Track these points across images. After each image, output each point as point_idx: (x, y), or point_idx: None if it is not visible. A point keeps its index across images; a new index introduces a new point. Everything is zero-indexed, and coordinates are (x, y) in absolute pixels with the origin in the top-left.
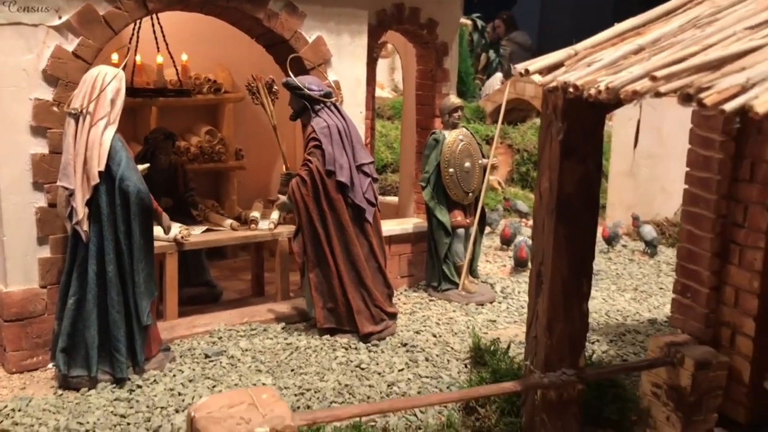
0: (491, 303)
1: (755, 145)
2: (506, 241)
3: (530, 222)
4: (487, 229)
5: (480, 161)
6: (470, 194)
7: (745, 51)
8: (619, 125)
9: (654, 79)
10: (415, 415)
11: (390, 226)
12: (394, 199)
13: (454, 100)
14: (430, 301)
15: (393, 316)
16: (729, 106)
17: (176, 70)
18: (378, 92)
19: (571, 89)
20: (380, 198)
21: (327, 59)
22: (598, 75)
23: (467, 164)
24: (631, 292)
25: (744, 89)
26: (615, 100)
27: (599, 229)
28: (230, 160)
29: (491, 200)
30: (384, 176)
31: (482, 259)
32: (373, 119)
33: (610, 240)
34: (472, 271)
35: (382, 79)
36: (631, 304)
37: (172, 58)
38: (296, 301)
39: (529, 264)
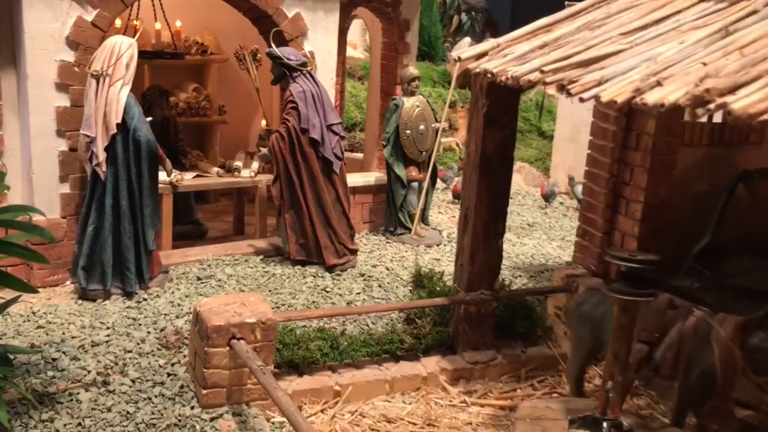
0: (438, 245)
1: (641, 121)
2: (458, 195)
3: None
4: (443, 185)
5: (433, 125)
6: (424, 153)
7: (610, 53)
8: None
9: (542, 72)
10: (367, 324)
11: (355, 179)
12: (359, 155)
13: (412, 71)
14: (387, 243)
15: (354, 252)
16: (586, 95)
17: (171, 34)
18: (351, 52)
19: (489, 75)
20: (348, 154)
21: (304, 32)
22: (508, 65)
23: (422, 127)
24: (559, 241)
25: (599, 83)
26: (518, 85)
27: (539, 189)
28: (214, 115)
29: (449, 159)
30: (353, 134)
31: (435, 209)
32: (342, 83)
33: (548, 197)
34: (424, 219)
35: (355, 38)
36: (556, 250)
37: (168, 24)
38: (272, 239)
39: None
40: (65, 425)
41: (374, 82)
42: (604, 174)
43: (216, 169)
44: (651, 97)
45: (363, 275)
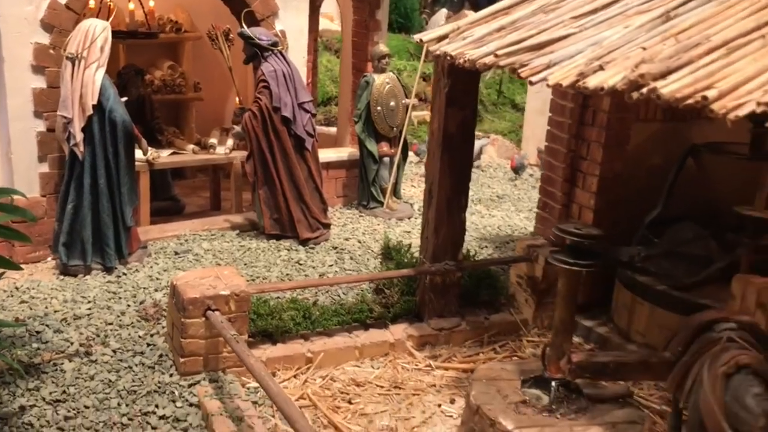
0: (409, 218)
1: (596, 98)
2: None
3: None
4: (416, 159)
5: (403, 101)
6: (395, 128)
7: (560, 37)
8: None
9: (496, 56)
10: (339, 295)
11: (329, 154)
12: (334, 129)
13: (382, 48)
14: (360, 216)
15: (327, 226)
16: (535, 79)
17: (144, 13)
18: (327, 24)
19: (448, 57)
20: (324, 129)
21: (275, 12)
22: (466, 48)
23: (392, 103)
24: (526, 212)
25: (548, 67)
26: (475, 68)
27: (508, 161)
28: (189, 92)
29: (423, 133)
30: (328, 108)
31: (407, 183)
32: (315, 59)
33: (517, 170)
34: (396, 193)
35: (331, 11)
36: (523, 221)
37: (141, 3)
38: (248, 214)
39: None
40: (50, 393)
41: (346, 58)
42: (562, 149)
43: (191, 146)
44: (592, 81)
45: (336, 248)
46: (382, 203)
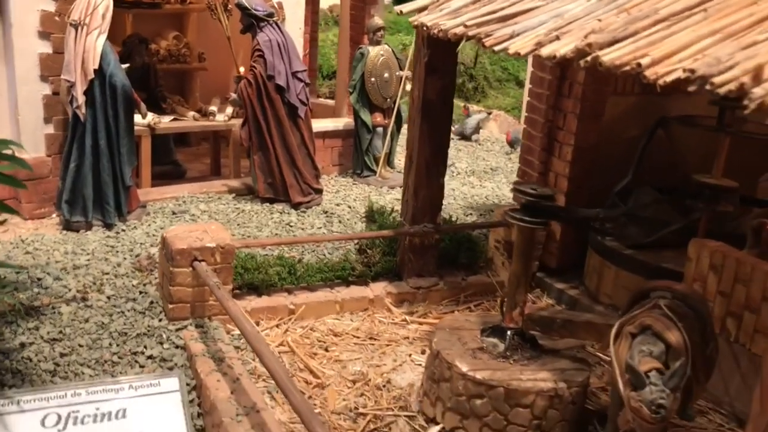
0: (401, 187)
1: (573, 70)
2: None
3: None
4: None
5: (397, 73)
6: (388, 100)
7: (527, 9)
8: None
9: (466, 26)
10: (324, 255)
11: (325, 124)
12: (332, 101)
13: (378, 21)
14: (354, 184)
15: (319, 191)
16: (497, 48)
17: None
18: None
19: (424, 28)
20: (324, 101)
21: None
22: (441, 19)
23: (386, 75)
24: None
25: (511, 37)
26: (448, 38)
27: (504, 135)
28: (194, 62)
29: None
30: (334, 81)
31: (401, 153)
32: (315, 32)
33: (513, 143)
34: (389, 162)
35: None
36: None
37: None
38: (245, 179)
39: None
40: (48, 333)
41: (344, 31)
42: (540, 119)
43: (192, 113)
44: (545, 50)
45: (326, 212)
46: (375, 172)
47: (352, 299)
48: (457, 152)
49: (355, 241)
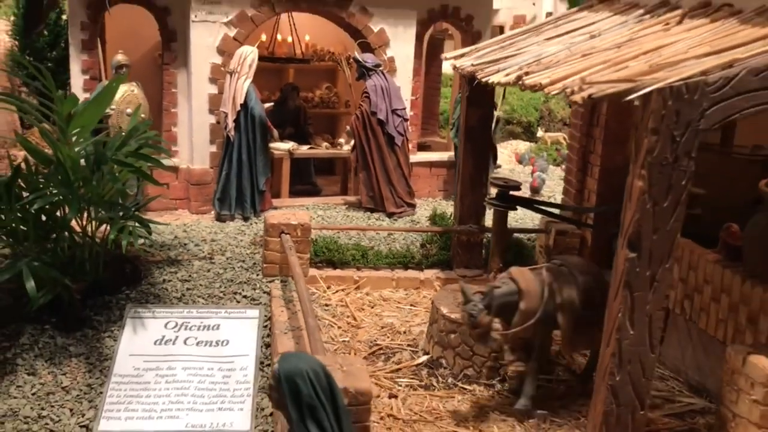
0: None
1: (600, 104)
2: (535, 189)
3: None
4: (520, 166)
5: None
6: None
7: (516, 52)
8: None
9: (473, 66)
10: (394, 247)
11: (433, 155)
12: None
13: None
14: (450, 205)
15: (411, 205)
16: (484, 80)
17: (300, 46)
18: None
19: (459, 69)
20: (440, 139)
21: (386, 43)
22: (464, 62)
23: None
24: None
25: (497, 72)
26: (469, 75)
27: None
28: (341, 108)
29: (553, 151)
30: None
31: None
32: (438, 83)
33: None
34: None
35: None
36: None
37: (298, 38)
38: (358, 196)
39: None
40: (182, 276)
41: (455, 86)
42: (576, 145)
43: (325, 143)
44: (496, 78)
45: (412, 221)
46: None
47: (406, 278)
48: None
49: (420, 237)
